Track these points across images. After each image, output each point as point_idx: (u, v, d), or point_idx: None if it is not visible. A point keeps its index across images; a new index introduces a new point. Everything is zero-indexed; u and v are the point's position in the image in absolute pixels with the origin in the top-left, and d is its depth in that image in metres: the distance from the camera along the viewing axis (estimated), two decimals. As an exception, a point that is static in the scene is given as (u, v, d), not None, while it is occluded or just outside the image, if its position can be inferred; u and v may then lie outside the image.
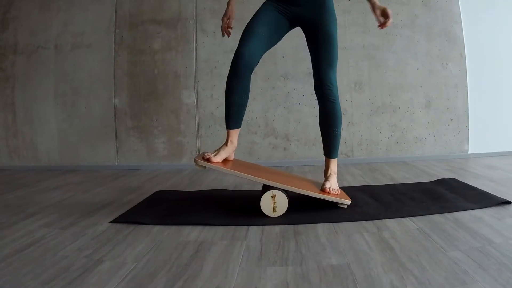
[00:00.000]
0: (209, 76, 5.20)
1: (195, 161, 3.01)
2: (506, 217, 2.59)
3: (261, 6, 3.13)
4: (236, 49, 3.00)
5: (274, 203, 2.82)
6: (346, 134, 5.16)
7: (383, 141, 5.17)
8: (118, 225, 2.75)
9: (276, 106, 5.16)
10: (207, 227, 2.65)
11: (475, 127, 5.17)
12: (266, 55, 5.07)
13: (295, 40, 5.07)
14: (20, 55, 5.53)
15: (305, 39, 3.21)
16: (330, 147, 3.25)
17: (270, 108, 5.15)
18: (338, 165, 3.90)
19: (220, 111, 5.21)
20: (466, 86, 5.13)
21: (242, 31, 3.04)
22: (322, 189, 3.04)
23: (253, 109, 5.17)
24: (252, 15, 3.09)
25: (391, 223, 2.59)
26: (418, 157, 5.14)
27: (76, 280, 1.86)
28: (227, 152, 3.15)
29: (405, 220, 2.63)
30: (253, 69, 3.07)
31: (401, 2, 5.09)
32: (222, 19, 3.22)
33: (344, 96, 5.13)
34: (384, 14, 3.06)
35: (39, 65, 5.50)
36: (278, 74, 5.15)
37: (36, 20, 5.49)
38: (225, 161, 3.17)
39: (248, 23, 3.06)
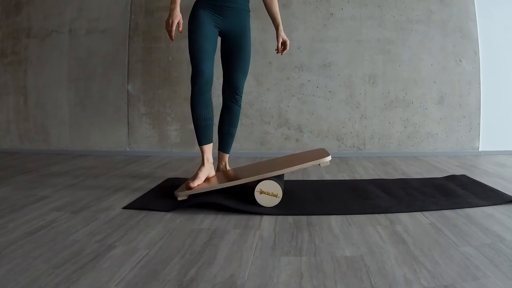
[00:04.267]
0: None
1: (175, 195, 3.06)
2: (517, 215, 2.60)
3: (198, 16, 3.26)
4: (195, 67, 3.17)
5: (268, 194, 2.84)
6: (359, 127, 5.15)
7: (395, 135, 5.16)
8: (130, 211, 2.77)
9: (290, 97, 5.16)
10: (220, 215, 2.66)
11: (486, 124, 5.15)
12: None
13: (310, 32, 5.07)
14: (34, 39, 5.55)
15: (222, 48, 3.45)
16: (230, 144, 3.64)
17: (284, 99, 5.15)
18: (349, 158, 3.92)
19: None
20: (479, 84, 5.10)
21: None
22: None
23: (267, 99, 5.17)
24: (193, 25, 3.22)
25: (403, 217, 2.60)
26: (430, 153, 5.13)
27: (88, 264, 1.88)
28: (206, 172, 3.26)
29: (417, 215, 2.63)
30: (212, 84, 3.25)
31: (417, -4, 5.08)
32: (170, 23, 3.11)
33: (358, 89, 5.13)
34: (283, 44, 3.56)
35: (52, 49, 5.51)
36: (293, 65, 5.14)
37: (50, 4, 5.49)
38: (207, 180, 3.24)
39: (193, 36, 3.21)
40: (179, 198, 2.99)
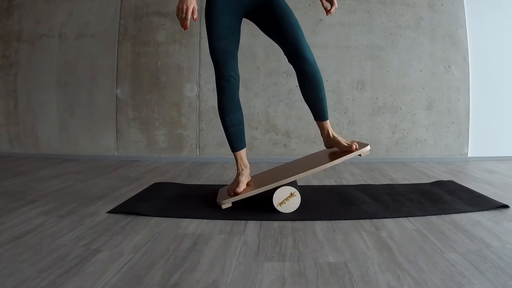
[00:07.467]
0: (212, 70, 5.08)
1: (219, 203, 2.96)
2: (503, 221, 2.60)
3: (213, 7, 2.98)
4: (218, 71, 3.00)
5: (287, 199, 2.84)
6: (346, 133, 5.16)
7: (384, 141, 5.17)
8: (116, 216, 2.76)
9: (277, 102, 5.16)
10: (205, 221, 2.66)
11: (475, 130, 5.17)
12: (270, 52, 5.09)
13: (299, 37, 5.07)
14: (24, 43, 5.53)
15: (260, 28, 3.14)
16: (323, 109, 3.10)
17: (272, 104, 5.16)
18: (337, 164, 3.93)
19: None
20: (468, 90, 5.12)
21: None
22: (350, 147, 3.02)
23: (255, 104, 5.17)
24: (209, 19, 2.98)
25: (389, 223, 2.60)
26: (418, 159, 5.14)
27: (73, 269, 1.88)
28: (246, 177, 3.11)
29: (403, 221, 2.64)
30: (239, 85, 3.05)
31: (406, 3, 5.09)
32: (184, 9, 2.78)
33: (346, 95, 5.14)
34: (330, 1, 3.08)
35: (42, 53, 5.50)
36: (281, 70, 5.15)
37: (41, 8, 5.49)
38: (247, 185, 3.11)
39: (211, 35, 2.97)
40: (224, 206, 2.91)
